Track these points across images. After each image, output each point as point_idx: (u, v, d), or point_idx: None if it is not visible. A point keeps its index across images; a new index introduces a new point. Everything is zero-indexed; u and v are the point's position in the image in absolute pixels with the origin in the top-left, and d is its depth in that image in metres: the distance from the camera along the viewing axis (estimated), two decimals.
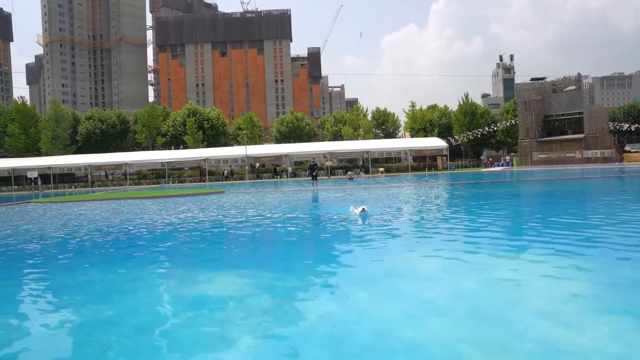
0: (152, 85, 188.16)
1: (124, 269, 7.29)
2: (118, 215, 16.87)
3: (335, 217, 12.76)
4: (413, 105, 75.58)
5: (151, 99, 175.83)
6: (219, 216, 15.02)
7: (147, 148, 73.45)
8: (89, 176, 62.65)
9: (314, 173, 31.66)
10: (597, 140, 60.63)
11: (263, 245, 9.60)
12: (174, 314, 4.84)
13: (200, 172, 64.07)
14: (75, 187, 61.20)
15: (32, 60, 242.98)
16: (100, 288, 6.19)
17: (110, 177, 71.92)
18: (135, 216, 16.24)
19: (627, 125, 69.20)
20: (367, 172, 58.78)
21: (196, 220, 13.84)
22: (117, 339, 4.15)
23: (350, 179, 45.34)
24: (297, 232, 10.60)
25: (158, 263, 7.69)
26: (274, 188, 34.77)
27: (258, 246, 9.46)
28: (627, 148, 68.17)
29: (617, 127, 69.46)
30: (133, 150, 73.71)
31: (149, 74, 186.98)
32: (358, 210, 12.45)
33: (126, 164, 60.31)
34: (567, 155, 61.24)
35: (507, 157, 67.56)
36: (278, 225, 12.06)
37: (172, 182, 58.96)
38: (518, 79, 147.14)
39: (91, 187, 59.63)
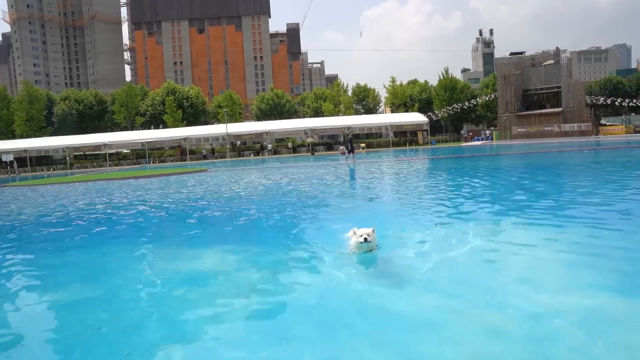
0: (128, 64, 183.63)
1: (148, 246, 7.34)
2: (119, 196, 16.73)
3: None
4: (393, 80, 75.59)
5: (128, 78, 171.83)
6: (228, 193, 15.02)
7: (125, 128, 72.23)
8: (67, 158, 61.45)
9: (351, 146, 30.65)
10: (574, 113, 61.66)
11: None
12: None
13: (181, 151, 63.41)
14: (54, 169, 60.07)
15: None
16: (113, 262, 6.24)
17: (89, 158, 70.62)
18: (134, 196, 16.14)
19: (603, 99, 70.41)
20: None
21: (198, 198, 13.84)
22: (113, 314, 4.25)
23: (343, 153, 45.55)
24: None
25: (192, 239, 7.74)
26: (256, 166, 34.72)
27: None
28: (603, 121, 69.52)
29: (594, 101, 70.65)
30: (112, 130, 72.39)
31: (125, 53, 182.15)
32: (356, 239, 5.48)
33: (105, 145, 59.33)
34: (545, 129, 62.21)
35: (487, 132, 68.36)
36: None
37: (153, 162, 58.29)
38: (497, 54, 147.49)
39: (70, 169, 58.59)
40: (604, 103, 70.84)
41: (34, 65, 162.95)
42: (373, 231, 5.25)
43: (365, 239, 5.09)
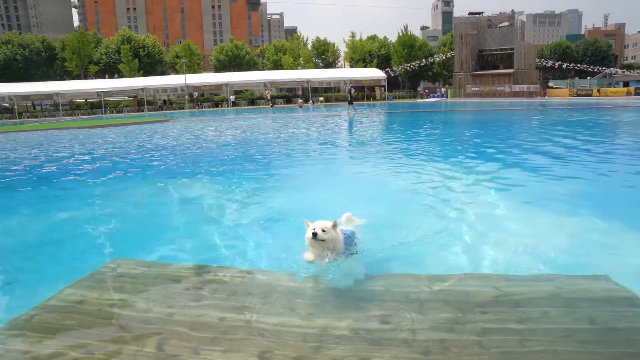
0: (75, 7, 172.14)
1: (159, 183, 8.31)
2: (97, 144, 17.16)
3: None
4: (353, 35, 75.96)
5: (76, 23, 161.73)
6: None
7: (78, 77, 69.32)
8: (15, 107, 58.74)
9: (351, 98, 33.32)
10: (524, 75, 64.46)
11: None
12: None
13: (138, 102, 61.99)
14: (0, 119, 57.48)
15: None
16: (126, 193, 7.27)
17: (37, 107, 67.62)
18: (108, 144, 16.65)
19: (552, 62, 73.63)
20: (306, 101, 59.62)
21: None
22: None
23: (300, 107, 46.84)
24: None
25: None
26: (220, 116, 35.14)
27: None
28: (551, 84, 73.00)
29: (544, 64, 73.80)
30: (62, 79, 69.27)
31: None
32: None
33: (57, 94, 57.11)
34: (497, 88, 64.84)
35: (442, 89, 70.45)
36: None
37: (110, 113, 56.94)
38: (457, 13, 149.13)
39: (19, 118, 56.28)
40: (553, 66, 74.18)
41: None
42: (334, 226, 3.39)
43: (315, 235, 3.28)
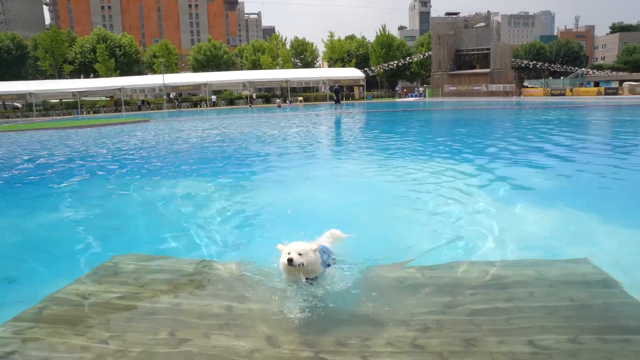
0: (47, 5, 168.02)
1: (173, 180, 8.31)
2: (91, 143, 16.93)
3: None
4: (331, 35, 76.29)
5: (48, 21, 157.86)
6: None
7: (52, 76, 67.72)
8: None
9: (337, 97, 33.71)
10: (500, 75, 65.75)
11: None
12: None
13: (115, 102, 60.99)
14: None
15: None
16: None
17: (8, 108, 65.78)
18: (92, 143, 16.45)
19: (527, 62, 75.28)
20: (284, 101, 59.68)
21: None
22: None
23: (279, 106, 47.11)
24: None
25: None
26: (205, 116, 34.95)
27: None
28: (526, 83, 74.61)
29: (519, 64, 75.40)
30: (35, 78, 67.66)
31: None
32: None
33: (31, 94, 55.76)
34: (474, 88, 65.98)
35: (420, 89, 71.31)
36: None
37: (87, 113, 55.92)
38: (434, 13, 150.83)
39: None
40: (527, 66, 75.87)
41: None
42: (315, 251, 3.00)
43: (290, 261, 2.88)
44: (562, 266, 3.37)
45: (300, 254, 2.90)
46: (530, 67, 75.37)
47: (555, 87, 65.49)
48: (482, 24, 69.52)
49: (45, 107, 60.16)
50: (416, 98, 65.20)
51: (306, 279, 3.00)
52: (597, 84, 65.78)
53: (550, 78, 75.15)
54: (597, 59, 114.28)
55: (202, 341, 2.54)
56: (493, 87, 64.72)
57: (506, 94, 63.69)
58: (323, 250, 3.25)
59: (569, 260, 3.48)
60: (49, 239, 5.04)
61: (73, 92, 56.81)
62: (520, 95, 62.70)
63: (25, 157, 12.43)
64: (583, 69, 74.08)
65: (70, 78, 67.17)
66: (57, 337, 2.63)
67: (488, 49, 66.86)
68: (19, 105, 55.92)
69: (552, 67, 71.70)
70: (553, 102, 42.55)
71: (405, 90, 77.13)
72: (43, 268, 4.19)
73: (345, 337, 2.52)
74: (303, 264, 2.90)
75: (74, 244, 4.68)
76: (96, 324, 2.78)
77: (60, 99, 59.93)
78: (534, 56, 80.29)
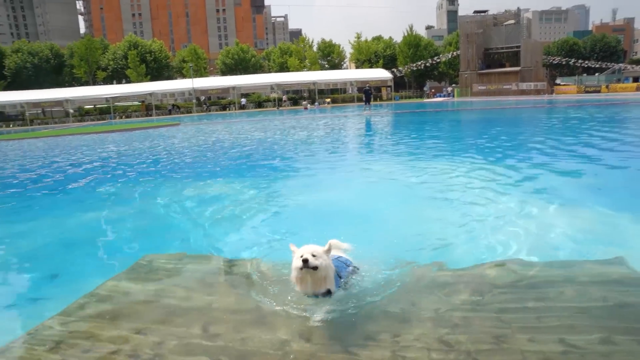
0: (82, 14, 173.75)
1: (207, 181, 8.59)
2: (141, 147, 17.52)
3: None
4: (358, 36, 76.15)
5: (82, 30, 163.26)
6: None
7: (87, 83, 70.06)
8: (27, 114, 59.49)
9: (369, 98, 34.43)
10: (531, 73, 64.23)
11: None
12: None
13: (146, 106, 62.56)
14: (12, 126, 58.26)
15: None
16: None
17: (46, 114, 68.32)
18: (146, 145, 16.99)
19: (559, 59, 73.33)
20: (312, 102, 59.98)
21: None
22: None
23: (306, 108, 47.39)
24: None
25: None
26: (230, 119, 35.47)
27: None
28: (558, 81, 72.65)
29: (551, 61, 73.53)
30: (71, 86, 70.08)
31: (77, 2, 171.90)
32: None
33: (67, 101, 57.77)
34: (504, 87, 64.66)
35: (449, 88, 70.39)
36: None
37: (119, 118, 57.54)
38: (462, 12, 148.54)
39: (30, 125, 57.02)
40: (560, 63, 73.90)
41: None
42: (327, 251, 2.91)
43: (306, 262, 2.75)
44: (595, 266, 3.31)
45: (314, 256, 2.77)
46: (563, 64, 73.39)
47: (589, 84, 63.56)
48: (512, 22, 68.10)
49: (80, 112, 62.28)
50: (444, 98, 64.40)
51: (316, 295, 2.84)
52: (636, 80, 63.30)
53: (585, 75, 73.01)
54: (636, 52, 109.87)
55: (233, 335, 2.62)
56: (524, 86, 63.24)
57: (537, 92, 62.14)
58: (340, 263, 3.10)
59: (602, 261, 3.42)
60: (88, 237, 5.26)
61: (106, 98, 58.54)
62: (552, 94, 61.11)
63: (70, 161, 12.94)
64: (620, 64, 71.57)
65: (104, 84, 69.25)
66: (99, 329, 2.77)
67: (518, 47, 65.41)
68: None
69: (587, 64, 69.59)
70: (587, 99, 41.31)
71: (433, 90, 76.27)
72: (83, 265, 4.39)
73: (374, 332, 2.56)
74: (317, 267, 2.75)
75: (110, 243, 4.88)
76: (134, 318, 2.91)
77: (95, 105, 61.85)
78: (566, 53, 78.10)
